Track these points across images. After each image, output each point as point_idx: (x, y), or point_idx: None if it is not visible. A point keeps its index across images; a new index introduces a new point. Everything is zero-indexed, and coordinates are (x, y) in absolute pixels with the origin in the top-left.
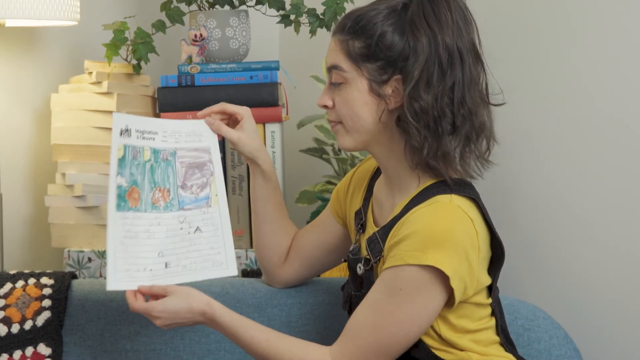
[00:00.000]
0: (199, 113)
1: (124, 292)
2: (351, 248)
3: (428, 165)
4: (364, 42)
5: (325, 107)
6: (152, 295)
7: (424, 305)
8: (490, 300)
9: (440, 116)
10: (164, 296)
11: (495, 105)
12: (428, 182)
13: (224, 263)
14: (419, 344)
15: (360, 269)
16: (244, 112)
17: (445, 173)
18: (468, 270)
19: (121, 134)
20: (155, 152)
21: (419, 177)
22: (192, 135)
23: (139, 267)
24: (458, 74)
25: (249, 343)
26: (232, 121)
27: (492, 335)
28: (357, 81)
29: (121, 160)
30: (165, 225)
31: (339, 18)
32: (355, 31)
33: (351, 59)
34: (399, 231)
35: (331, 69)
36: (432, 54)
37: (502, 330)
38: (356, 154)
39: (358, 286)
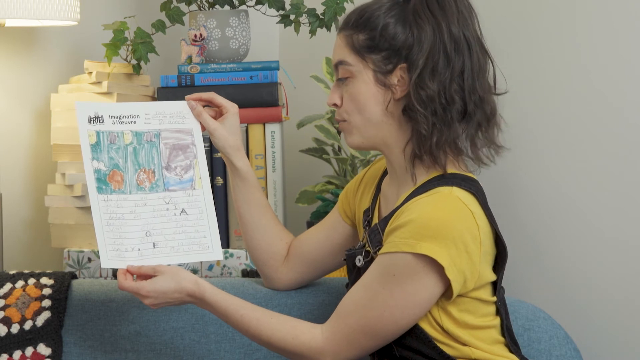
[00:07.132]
0: (187, 96)
1: (124, 292)
2: (357, 245)
3: (432, 154)
4: (368, 34)
5: (335, 105)
6: (141, 275)
7: (414, 292)
8: (494, 299)
9: (449, 103)
10: (153, 276)
11: (498, 94)
12: (432, 174)
13: (210, 247)
14: (423, 337)
15: (359, 261)
16: (230, 107)
17: (444, 165)
18: (468, 263)
19: (90, 121)
20: (137, 134)
21: (424, 171)
22: (176, 117)
23: (127, 247)
24: (467, 61)
25: (239, 322)
26: (219, 114)
27: (496, 335)
28: (363, 73)
29: (95, 146)
30: (152, 206)
31: (339, 18)
32: (358, 25)
33: (356, 52)
34: (397, 219)
35: (337, 65)
36: (436, 42)
37: (507, 330)
38: (356, 154)
39: (356, 280)
